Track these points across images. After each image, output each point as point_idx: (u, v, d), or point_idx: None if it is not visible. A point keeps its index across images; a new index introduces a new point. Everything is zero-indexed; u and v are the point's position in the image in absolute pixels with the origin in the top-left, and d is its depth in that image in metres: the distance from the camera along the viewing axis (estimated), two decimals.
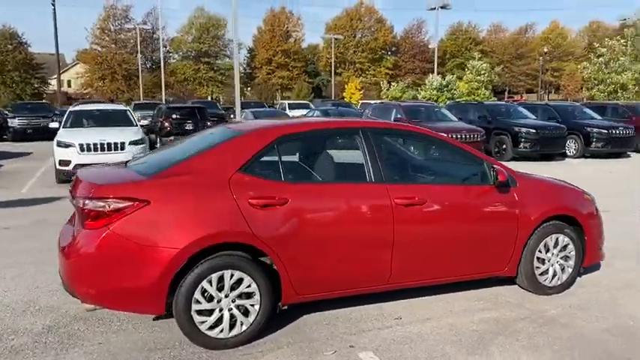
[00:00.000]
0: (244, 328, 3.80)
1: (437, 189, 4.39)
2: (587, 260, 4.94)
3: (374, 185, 4.13)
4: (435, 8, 39.31)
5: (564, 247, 4.79)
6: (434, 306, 4.52)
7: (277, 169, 3.96)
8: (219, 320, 3.73)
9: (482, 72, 37.37)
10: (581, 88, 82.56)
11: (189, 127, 18.00)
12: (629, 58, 25.85)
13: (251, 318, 3.81)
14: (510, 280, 4.86)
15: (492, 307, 4.53)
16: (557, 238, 4.74)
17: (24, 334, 4.01)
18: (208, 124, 18.44)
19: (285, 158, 4.04)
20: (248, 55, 76.86)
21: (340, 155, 4.54)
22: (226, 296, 3.74)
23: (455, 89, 36.30)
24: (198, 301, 3.66)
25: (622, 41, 25.91)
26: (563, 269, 4.81)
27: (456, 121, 15.73)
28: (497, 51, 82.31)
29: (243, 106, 31.68)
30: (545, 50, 72.41)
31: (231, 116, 20.81)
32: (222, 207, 3.69)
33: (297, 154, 4.62)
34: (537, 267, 4.70)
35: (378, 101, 28.49)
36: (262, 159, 3.96)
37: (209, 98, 61.58)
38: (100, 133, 11.34)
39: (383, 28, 76.60)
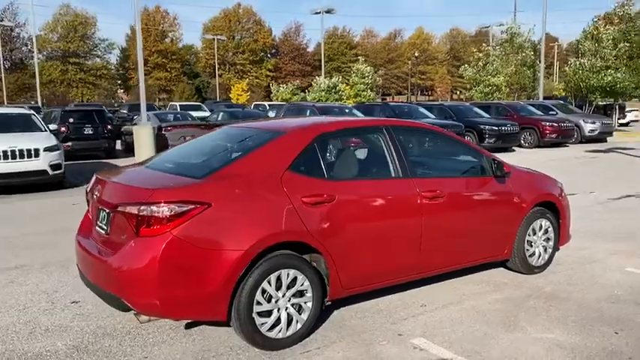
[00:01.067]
0: (299, 326, 3.80)
1: (451, 182, 4.70)
2: (561, 241, 5.56)
3: (403, 180, 4.32)
4: (320, 12, 40.34)
5: (546, 230, 5.35)
6: (447, 292, 4.81)
7: (320, 167, 4.01)
8: (278, 320, 3.70)
9: (367, 74, 39.16)
10: (452, 91, 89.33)
11: (88, 131, 16.86)
12: (501, 63, 28.63)
13: (304, 315, 3.82)
14: (498, 264, 5.32)
15: (496, 289, 4.93)
16: (541, 223, 5.28)
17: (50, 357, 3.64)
18: (109, 127, 17.43)
19: (324, 156, 4.10)
20: (121, 55, 73.06)
21: (364, 152, 4.68)
22: (283, 295, 3.71)
23: (342, 91, 37.70)
24: (259, 303, 3.60)
25: (496, 47, 28.65)
26: (545, 250, 5.37)
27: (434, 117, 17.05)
28: (370, 55, 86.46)
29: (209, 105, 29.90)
30: (417, 54, 77.51)
31: (134, 119, 19.70)
32: (278, 206, 3.67)
33: (333, 151, 4.67)
34: (527, 249, 5.21)
35: (283, 103, 28.99)
36: (306, 157, 3.99)
37: (80, 100, 57.63)
38: (8, 140, 10.27)
39: (262, 30, 76.98)
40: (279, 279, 3.67)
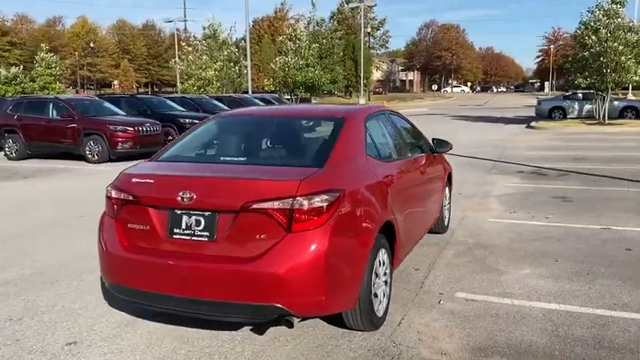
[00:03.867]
0: (385, 301, 3.93)
1: (423, 159, 5.34)
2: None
3: (411, 159, 4.81)
4: None
5: (449, 196, 6.52)
6: (427, 252, 5.53)
7: (374, 150, 4.15)
8: (379, 298, 3.77)
9: (54, 65, 35.02)
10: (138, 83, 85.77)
11: None
12: (209, 58, 29.61)
13: (387, 290, 3.97)
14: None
15: (453, 244, 5.84)
16: (447, 188, 6.41)
17: None
18: None
19: (373, 139, 4.23)
20: None
21: (384, 134, 4.87)
22: (384, 274, 3.81)
23: (25, 82, 32.90)
24: (374, 284, 3.63)
25: (203, 42, 29.33)
26: (448, 211, 6.54)
27: (125, 114, 15.22)
28: (28, 43, 76.65)
29: None
30: (92, 45, 72.17)
31: None
32: (377, 189, 3.76)
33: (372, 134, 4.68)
34: (445, 211, 6.27)
35: None
36: (368, 141, 4.07)
37: None
38: None
39: None
40: (381, 258, 3.75)
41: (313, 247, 3.07)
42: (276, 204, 3.06)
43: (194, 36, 38.24)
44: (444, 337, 3.64)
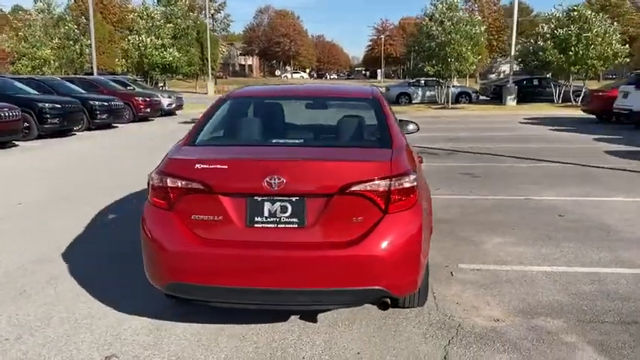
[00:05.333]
0: None
1: None
2: None
3: None
4: None
5: None
6: None
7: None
8: None
9: None
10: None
11: None
12: (43, 35, 26.38)
13: None
14: None
15: None
16: None
17: None
18: None
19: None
20: None
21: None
22: None
23: None
24: None
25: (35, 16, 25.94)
26: None
27: None
28: None
29: None
30: None
31: None
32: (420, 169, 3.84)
33: None
34: None
35: None
36: None
37: None
38: None
39: None
40: None
41: (409, 227, 3.06)
42: (373, 185, 2.99)
43: (24, 10, 33.78)
44: (483, 305, 3.87)
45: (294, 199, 2.99)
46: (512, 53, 25.50)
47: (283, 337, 3.39)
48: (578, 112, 21.56)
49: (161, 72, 27.11)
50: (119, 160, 10.96)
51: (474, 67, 25.61)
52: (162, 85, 30.49)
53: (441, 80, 27.00)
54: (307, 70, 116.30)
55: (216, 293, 3.06)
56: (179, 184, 3.06)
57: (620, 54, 25.00)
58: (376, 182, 2.99)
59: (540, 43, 25.82)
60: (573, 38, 24.63)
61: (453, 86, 29.13)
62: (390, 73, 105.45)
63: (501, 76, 74.05)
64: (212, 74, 45.83)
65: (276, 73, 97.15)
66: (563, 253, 4.97)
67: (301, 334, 3.42)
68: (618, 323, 3.56)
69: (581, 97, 24.45)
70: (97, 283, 4.24)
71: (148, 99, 20.29)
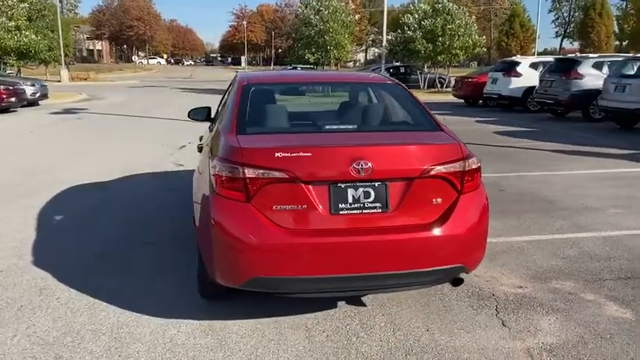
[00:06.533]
0: None
1: None
2: None
3: None
4: None
5: None
6: None
7: None
8: None
9: None
10: None
11: None
12: None
13: None
14: None
15: None
16: None
17: None
18: None
19: None
20: None
21: None
22: None
23: None
24: None
25: None
26: None
27: None
28: None
29: None
30: None
31: None
32: None
33: None
34: None
35: None
36: None
37: None
38: None
39: None
40: None
41: (480, 205, 3.25)
42: (453, 167, 3.11)
43: None
44: (499, 275, 4.19)
45: (376, 184, 3.00)
46: (384, 43, 26.92)
47: (346, 323, 3.39)
48: (446, 97, 23.47)
49: (17, 58, 24.15)
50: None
51: (350, 54, 26.63)
52: (12, 72, 27.22)
53: (317, 67, 27.62)
54: (165, 56, 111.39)
55: (303, 284, 2.98)
56: (259, 175, 2.90)
57: (478, 43, 27.70)
58: (455, 164, 3.11)
59: (410, 33, 27.51)
60: (439, 29, 26.68)
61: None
62: (251, 60, 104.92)
63: (357, 64, 77.47)
64: (65, 60, 41.95)
65: (134, 58, 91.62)
66: (529, 223, 5.51)
67: (361, 318, 3.45)
68: (617, 279, 4.09)
69: (446, 83, 26.63)
70: None
71: (11, 87, 18.08)
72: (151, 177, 7.74)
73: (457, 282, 3.27)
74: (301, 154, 2.94)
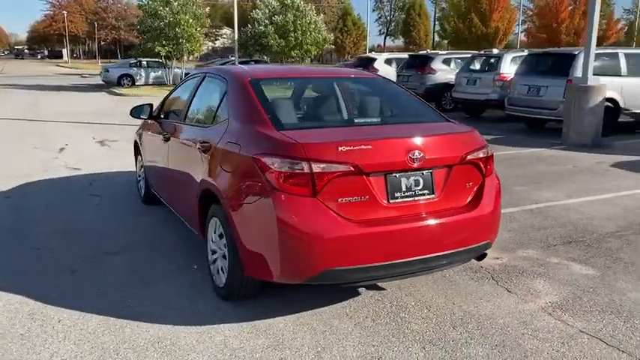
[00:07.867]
0: None
1: None
2: None
3: None
4: None
5: None
6: None
7: None
8: None
9: None
10: None
11: None
12: None
13: None
14: None
15: None
16: None
17: None
18: None
19: None
20: None
21: None
22: None
23: None
24: None
25: None
26: None
27: None
28: None
29: None
30: None
31: None
32: None
33: None
34: None
35: None
36: None
37: None
38: None
39: None
40: None
41: (497, 187, 3.64)
42: (482, 153, 3.46)
43: None
44: (518, 248, 4.67)
45: (424, 172, 3.20)
46: (236, 38, 26.69)
47: (382, 307, 3.54)
48: None
49: None
50: None
51: (205, 47, 25.99)
52: None
53: (167, 62, 26.61)
54: None
55: (368, 272, 3.07)
56: (326, 169, 2.92)
57: (327, 40, 28.91)
58: (483, 150, 3.48)
59: (262, 28, 27.70)
60: (290, 25, 27.27)
61: (178, 67, 28.97)
62: (71, 53, 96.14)
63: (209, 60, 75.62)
64: None
65: None
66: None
67: (391, 301, 3.63)
68: (564, 244, 4.79)
69: None
70: None
71: None
72: None
73: (482, 257, 3.62)
74: (363, 147, 3.04)
